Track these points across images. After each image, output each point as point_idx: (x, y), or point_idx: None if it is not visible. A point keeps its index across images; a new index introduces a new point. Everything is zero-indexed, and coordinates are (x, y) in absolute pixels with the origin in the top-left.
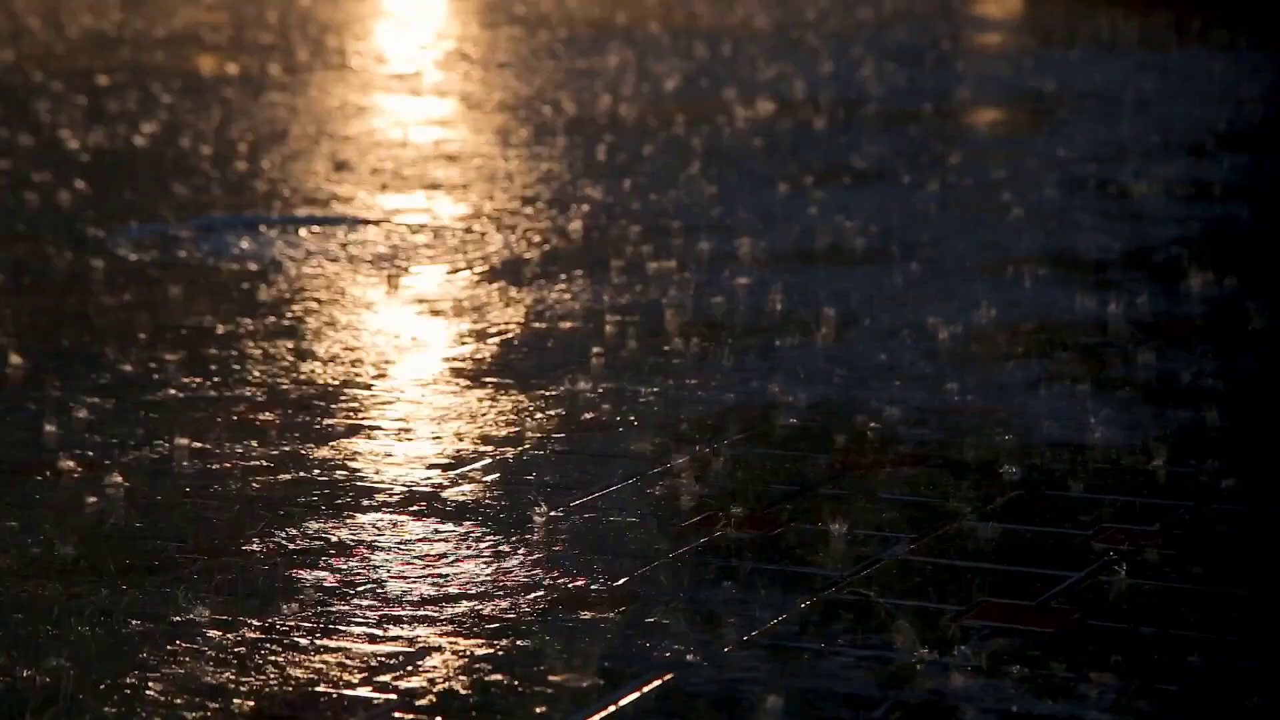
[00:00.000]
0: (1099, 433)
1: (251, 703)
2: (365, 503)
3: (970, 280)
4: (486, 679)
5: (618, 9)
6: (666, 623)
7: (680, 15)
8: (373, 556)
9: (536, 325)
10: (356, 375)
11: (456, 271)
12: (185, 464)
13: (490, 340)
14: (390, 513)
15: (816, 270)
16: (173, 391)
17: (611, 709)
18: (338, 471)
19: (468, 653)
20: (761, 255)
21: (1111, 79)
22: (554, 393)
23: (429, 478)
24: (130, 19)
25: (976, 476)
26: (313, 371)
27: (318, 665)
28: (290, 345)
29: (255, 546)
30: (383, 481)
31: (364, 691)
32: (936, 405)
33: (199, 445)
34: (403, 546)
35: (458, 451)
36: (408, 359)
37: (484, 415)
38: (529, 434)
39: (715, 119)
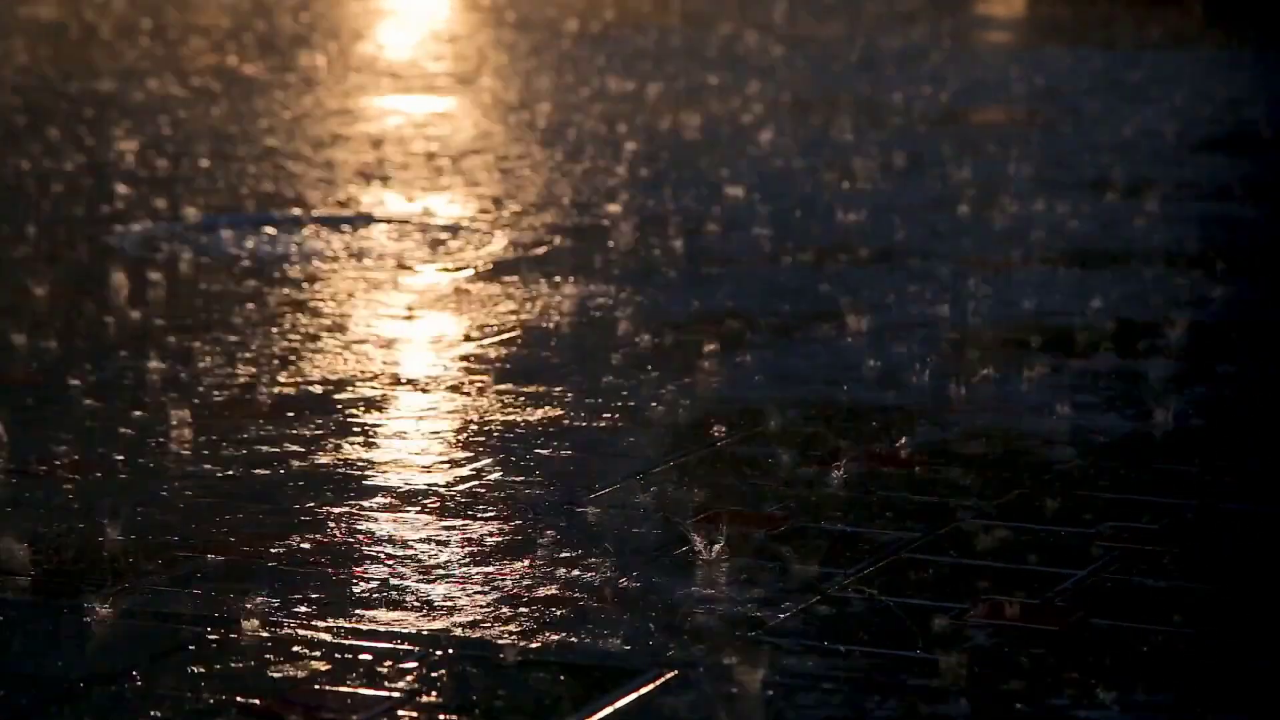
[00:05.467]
0: (1103, 430)
1: (254, 700)
2: (367, 501)
3: (974, 278)
4: (488, 677)
5: (621, 8)
6: (669, 621)
7: (680, 14)
8: (374, 555)
9: (540, 324)
10: (358, 374)
11: (459, 270)
12: (186, 462)
13: (493, 339)
14: (392, 511)
15: (820, 268)
16: (174, 390)
17: (613, 708)
18: (340, 470)
19: (469, 651)
20: (765, 254)
21: (1115, 78)
22: (557, 391)
23: (431, 476)
24: (132, 15)
25: (979, 474)
26: (314, 370)
27: (319, 663)
28: (292, 344)
29: (257, 545)
30: (384, 480)
31: (365, 690)
32: (940, 403)
33: (201, 443)
34: (404, 545)
35: (460, 450)
36: (410, 358)
37: (486, 414)
38: (531, 432)
39: (716, 117)
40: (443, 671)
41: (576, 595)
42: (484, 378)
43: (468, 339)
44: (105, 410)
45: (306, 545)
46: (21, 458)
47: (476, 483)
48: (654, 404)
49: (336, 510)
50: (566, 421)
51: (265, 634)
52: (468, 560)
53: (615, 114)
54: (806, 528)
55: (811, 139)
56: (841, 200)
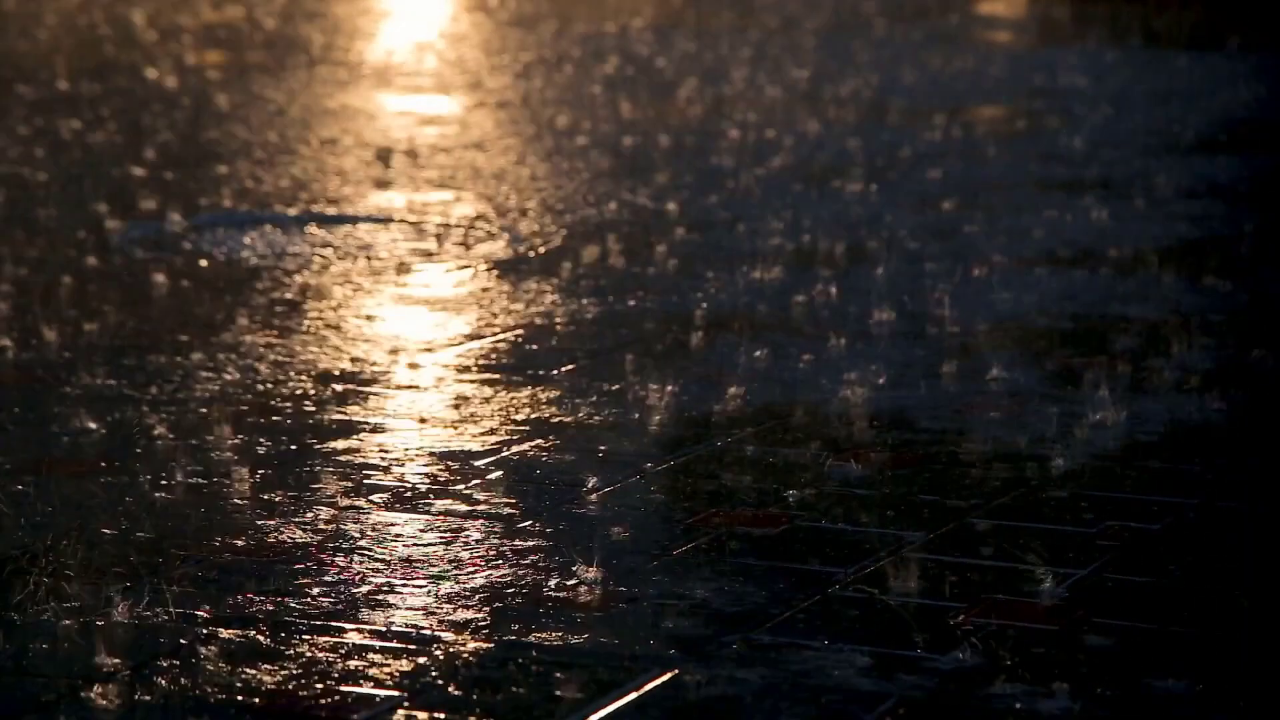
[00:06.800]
0: (1103, 429)
1: (255, 699)
2: (366, 500)
3: (974, 277)
4: (487, 677)
5: (619, 7)
6: (669, 620)
7: (675, 12)
8: (374, 553)
9: (539, 323)
10: (358, 372)
11: (459, 269)
12: (186, 461)
13: (492, 338)
14: (391, 509)
15: (821, 268)
16: (173, 388)
17: (613, 707)
18: (339, 468)
19: (468, 650)
20: (766, 254)
21: (1116, 76)
22: (556, 390)
23: (431, 476)
24: (130, 13)
25: (980, 473)
26: (313, 369)
27: (318, 662)
28: (292, 342)
29: (255, 543)
30: (384, 479)
31: (364, 689)
32: (940, 402)
33: (200, 442)
34: (403, 543)
35: (459, 449)
36: (409, 357)
37: (486, 413)
38: (531, 431)
39: (715, 117)
40: (442, 671)
41: (576, 595)
42: (484, 377)
43: (467, 338)
44: (105, 409)
45: (306, 544)
46: (21, 457)
47: (476, 482)
48: (654, 404)
49: (336, 509)
50: (567, 421)
51: (265, 633)
52: (467, 559)
53: (617, 112)
54: (806, 527)
55: (812, 138)
56: (842, 199)
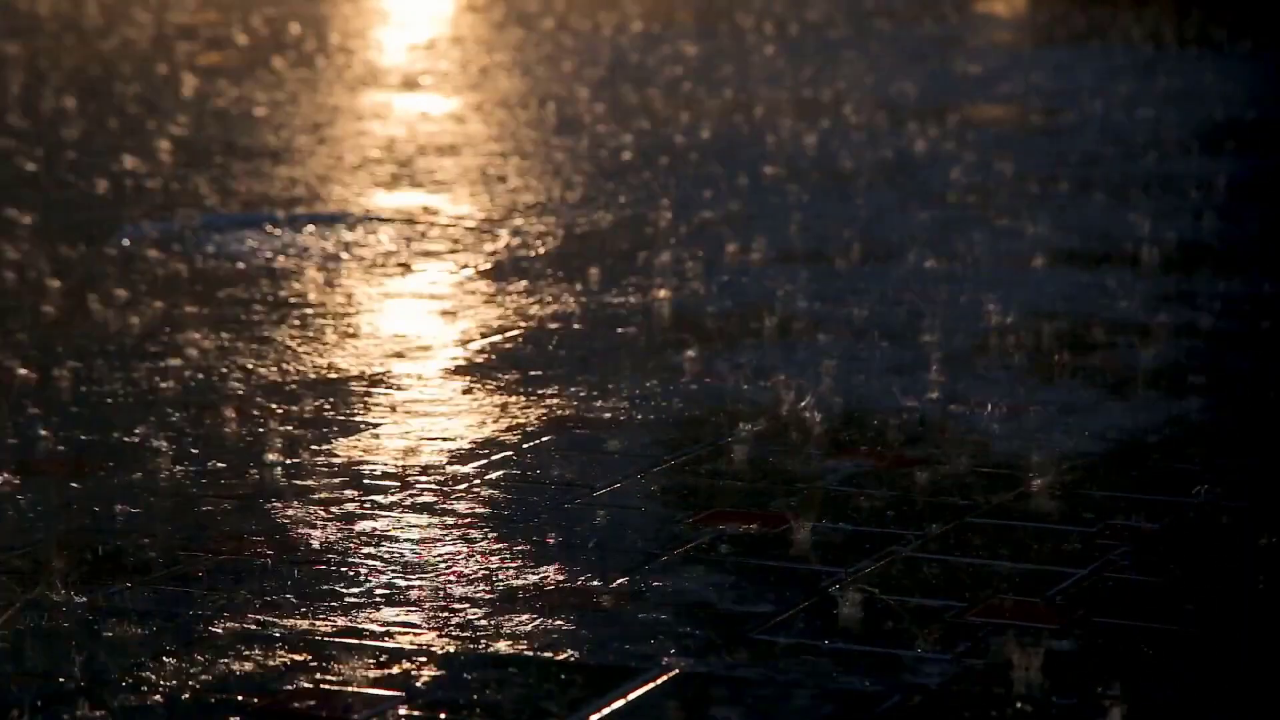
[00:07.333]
0: (1103, 429)
1: (255, 699)
2: (366, 500)
3: (973, 278)
4: (488, 676)
5: (614, 6)
6: (669, 621)
7: (673, 10)
8: (374, 554)
9: (538, 323)
10: (357, 374)
11: (459, 269)
12: (186, 461)
13: (492, 338)
14: (391, 510)
15: (820, 268)
16: (173, 388)
17: (613, 707)
18: (339, 469)
19: (469, 650)
20: (766, 254)
21: (1116, 76)
22: (556, 390)
23: (431, 475)
24: (127, 13)
25: (980, 473)
26: (313, 370)
27: (318, 662)
28: (291, 343)
29: (255, 544)
30: (383, 479)
31: (364, 689)
32: (941, 402)
33: (200, 441)
34: (403, 544)
35: (459, 449)
36: (409, 357)
37: (486, 413)
38: (531, 431)
39: (713, 117)
40: (442, 671)
41: (576, 595)
42: (483, 377)
43: (467, 338)
44: (104, 409)
45: (306, 544)
46: (21, 457)
47: (476, 482)
48: (654, 404)
49: (336, 509)
50: (567, 421)
51: (265, 633)
52: (467, 559)
53: (617, 114)
54: (807, 526)
55: (810, 138)
56: (841, 199)
